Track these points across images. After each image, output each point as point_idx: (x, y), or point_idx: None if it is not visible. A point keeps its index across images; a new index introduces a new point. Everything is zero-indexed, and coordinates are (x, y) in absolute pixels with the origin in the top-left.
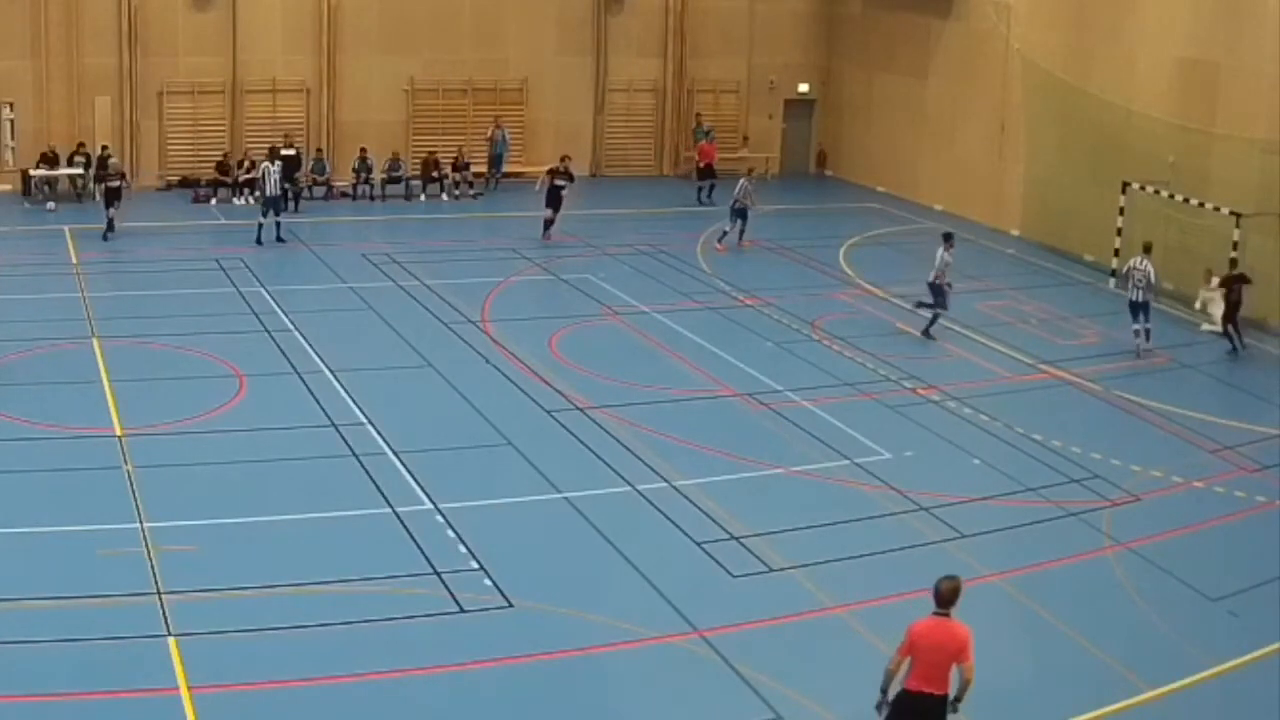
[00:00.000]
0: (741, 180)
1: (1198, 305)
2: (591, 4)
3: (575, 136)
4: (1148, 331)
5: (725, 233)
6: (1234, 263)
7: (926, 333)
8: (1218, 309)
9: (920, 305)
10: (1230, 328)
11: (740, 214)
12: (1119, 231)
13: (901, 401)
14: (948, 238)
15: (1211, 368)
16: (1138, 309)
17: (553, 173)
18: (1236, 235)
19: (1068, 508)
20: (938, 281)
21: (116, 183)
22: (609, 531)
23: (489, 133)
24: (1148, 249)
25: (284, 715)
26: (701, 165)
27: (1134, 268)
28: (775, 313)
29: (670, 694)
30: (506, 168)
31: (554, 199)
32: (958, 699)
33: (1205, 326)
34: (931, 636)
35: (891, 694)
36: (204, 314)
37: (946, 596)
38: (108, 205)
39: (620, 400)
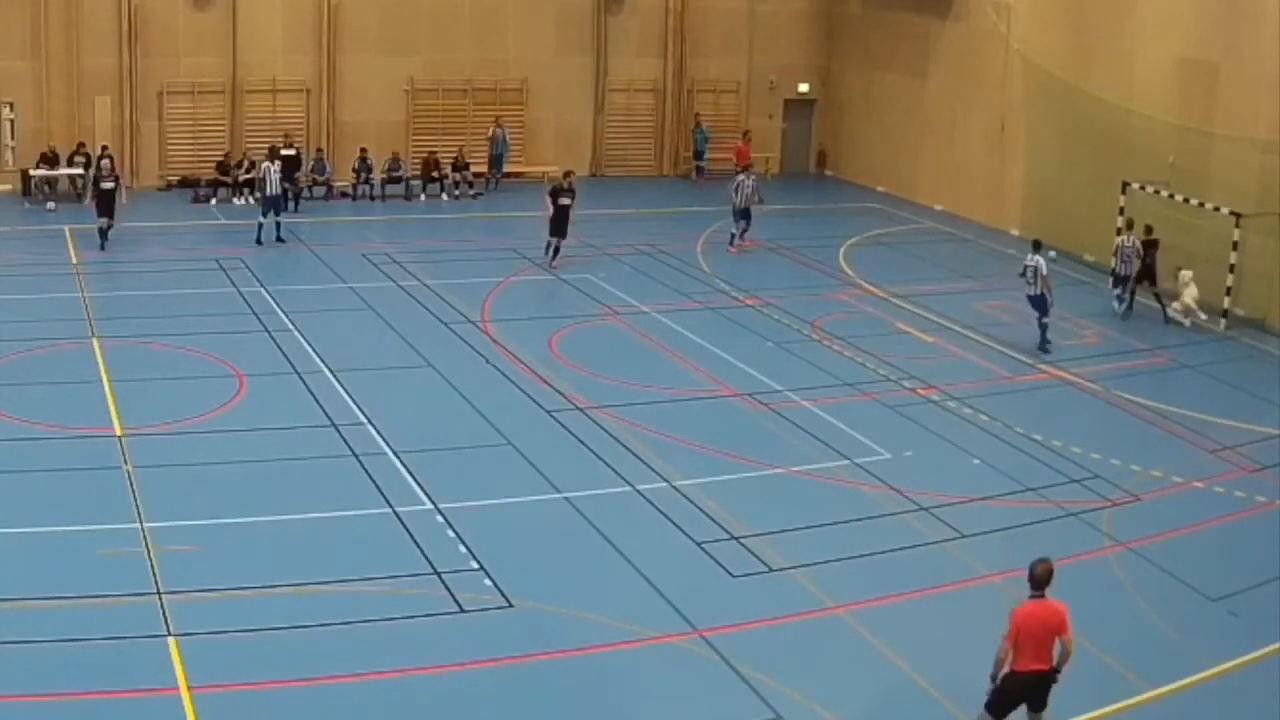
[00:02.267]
0: (739, 178)
1: (1175, 305)
2: (591, 4)
3: (575, 136)
4: (1132, 293)
5: (734, 235)
6: (1149, 229)
7: (1044, 348)
8: (1189, 295)
9: (1044, 341)
10: (1138, 286)
11: (744, 214)
12: (1119, 231)
13: (901, 401)
14: (1038, 245)
15: (1212, 368)
16: (1120, 281)
17: (556, 193)
18: (1236, 235)
19: (1068, 508)
20: (1043, 292)
21: (110, 184)
22: (609, 531)
23: (489, 132)
24: (1130, 225)
25: (284, 715)
26: (739, 166)
27: (1122, 245)
28: (775, 313)
29: (670, 694)
30: (507, 168)
31: (560, 223)
32: (1057, 670)
33: (1188, 323)
34: (1034, 618)
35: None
36: (204, 314)
37: (1042, 578)
38: (99, 214)
39: (620, 400)
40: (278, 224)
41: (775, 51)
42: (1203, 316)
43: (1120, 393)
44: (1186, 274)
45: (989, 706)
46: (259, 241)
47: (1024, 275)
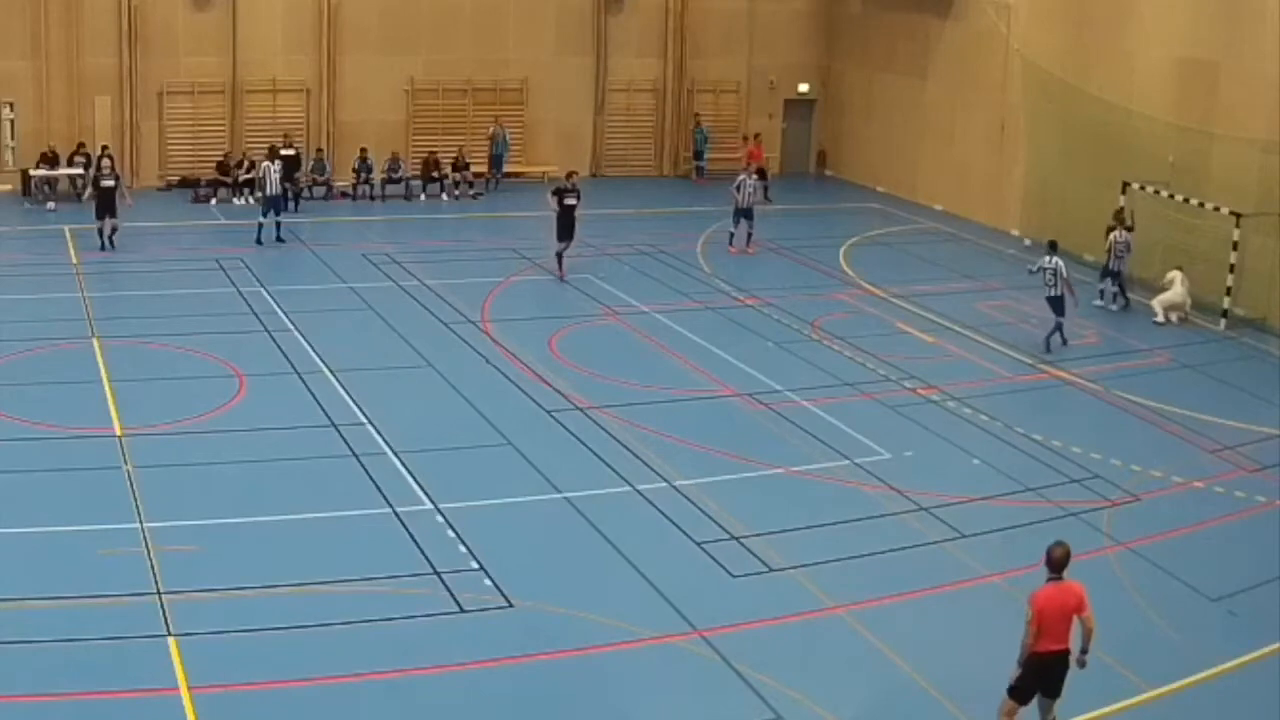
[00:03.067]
0: (741, 177)
1: (1157, 302)
2: (591, 4)
3: (575, 136)
4: (1123, 290)
5: (732, 235)
6: (1119, 212)
7: (1049, 346)
8: (1162, 296)
9: (1058, 334)
10: (1116, 278)
11: (746, 214)
12: (1111, 228)
13: (901, 401)
14: (1055, 246)
15: (1211, 368)
16: (1111, 275)
17: (560, 192)
18: (1236, 235)
19: (1068, 508)
20: (1063, 293)
21: (110, 182)
22: (609, 531)
23: (489, 132)
24: (1122, 220)
25: (284, 715)
26: (745, 165)
27: (1115, 240)
28: (775, 313)
29: (670, 694)
30: (507, 168)
31: (567, 226)
32: (1084, 651)
33: (1165, 318)
34: (1054, 600)
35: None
36: (204, 314)
37: (1060, 561)
38: (99, 215)
39: (620, 400)
40: (278, 224)
41: (775, 51)
42: (1159, 318)
43: (1120, 393)
44: (1171, 275)
45: (1012, 692)
46: (259, 241)
47: (1037, 274)
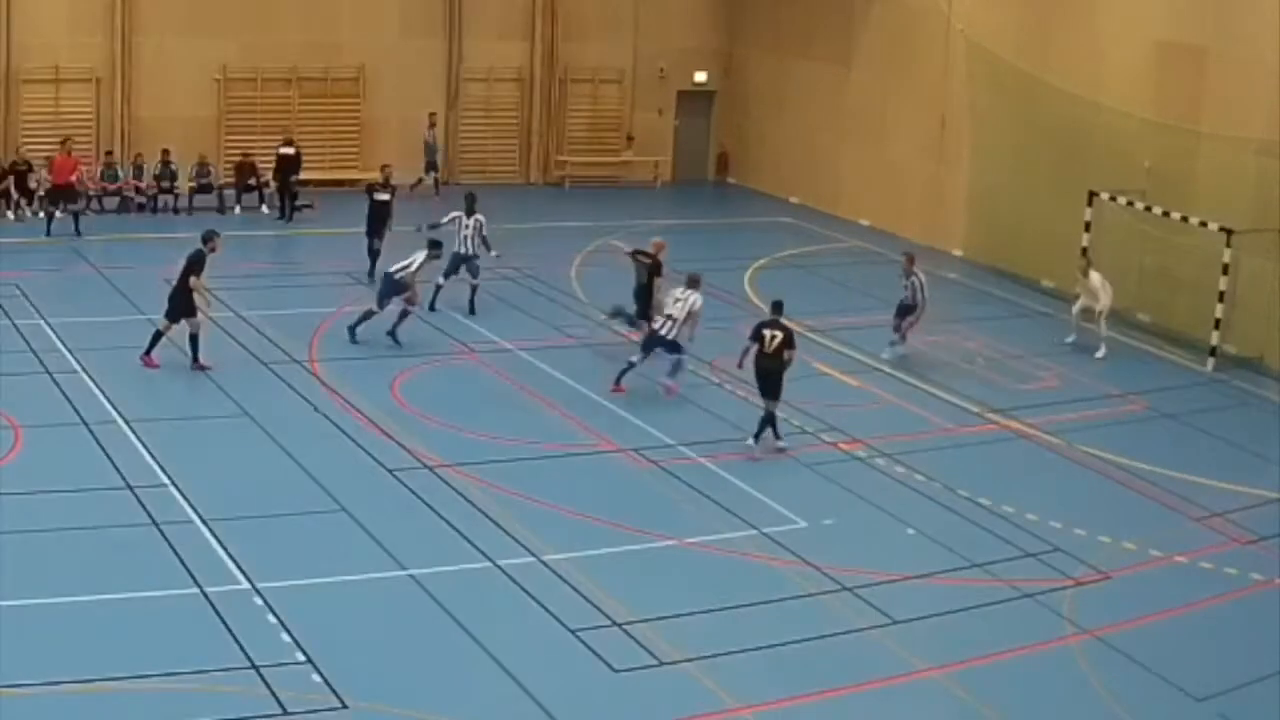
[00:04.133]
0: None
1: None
2: None
3: (423, 135)
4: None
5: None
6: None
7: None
8: (1100, 299)
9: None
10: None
11: (459, 265)
12: (1084, 252)
13: (820, 458)
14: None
15: (1197, 417)
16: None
17: (370, 188)
18: (1227, 256)
19: (1021, 587)
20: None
21: None
22: (464, 616)
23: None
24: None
25: None
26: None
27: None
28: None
29: None
30: (303, 176)
31: (377, 222)
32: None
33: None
34: None
35: None
36: None
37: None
38: None
39: (478, 457)
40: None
41: (667, 33)
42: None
43: (1085, 447)
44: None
45: None
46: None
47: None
